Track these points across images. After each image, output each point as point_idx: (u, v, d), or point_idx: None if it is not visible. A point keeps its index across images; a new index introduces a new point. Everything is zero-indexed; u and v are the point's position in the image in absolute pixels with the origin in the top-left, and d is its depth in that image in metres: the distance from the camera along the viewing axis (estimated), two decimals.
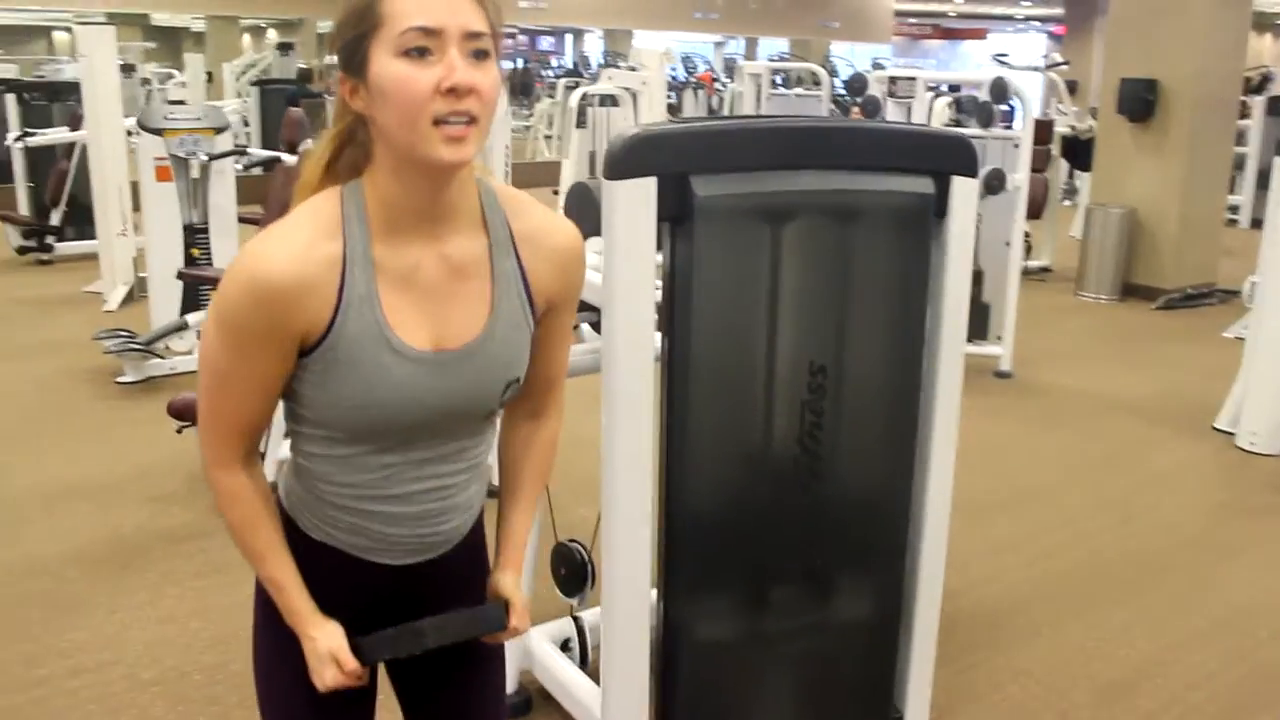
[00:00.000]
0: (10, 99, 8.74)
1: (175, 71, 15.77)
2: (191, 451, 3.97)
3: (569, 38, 26.53)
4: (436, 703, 1.51)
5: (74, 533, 3.63)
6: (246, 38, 21.71)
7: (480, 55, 1.15)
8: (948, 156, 2.07)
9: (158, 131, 5.65)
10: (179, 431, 3.81)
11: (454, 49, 1.13)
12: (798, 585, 2.19)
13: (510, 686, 2.66)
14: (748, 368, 2.04)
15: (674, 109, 14.39)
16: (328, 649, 1.28)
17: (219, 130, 5.80)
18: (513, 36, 18.62)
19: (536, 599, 2.31)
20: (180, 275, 5.36)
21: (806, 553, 2.16)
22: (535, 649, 2.71)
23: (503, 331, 1.27)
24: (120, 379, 5.31)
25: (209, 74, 15.70)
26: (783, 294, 2.01)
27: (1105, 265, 7.86)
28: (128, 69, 14.07)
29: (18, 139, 8.57)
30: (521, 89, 17.24)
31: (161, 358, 5.33)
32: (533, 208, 1.33)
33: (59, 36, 22.80)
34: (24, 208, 8.66)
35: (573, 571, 2.70)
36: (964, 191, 2.08)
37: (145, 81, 14.95)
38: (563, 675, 2.62)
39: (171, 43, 21.59)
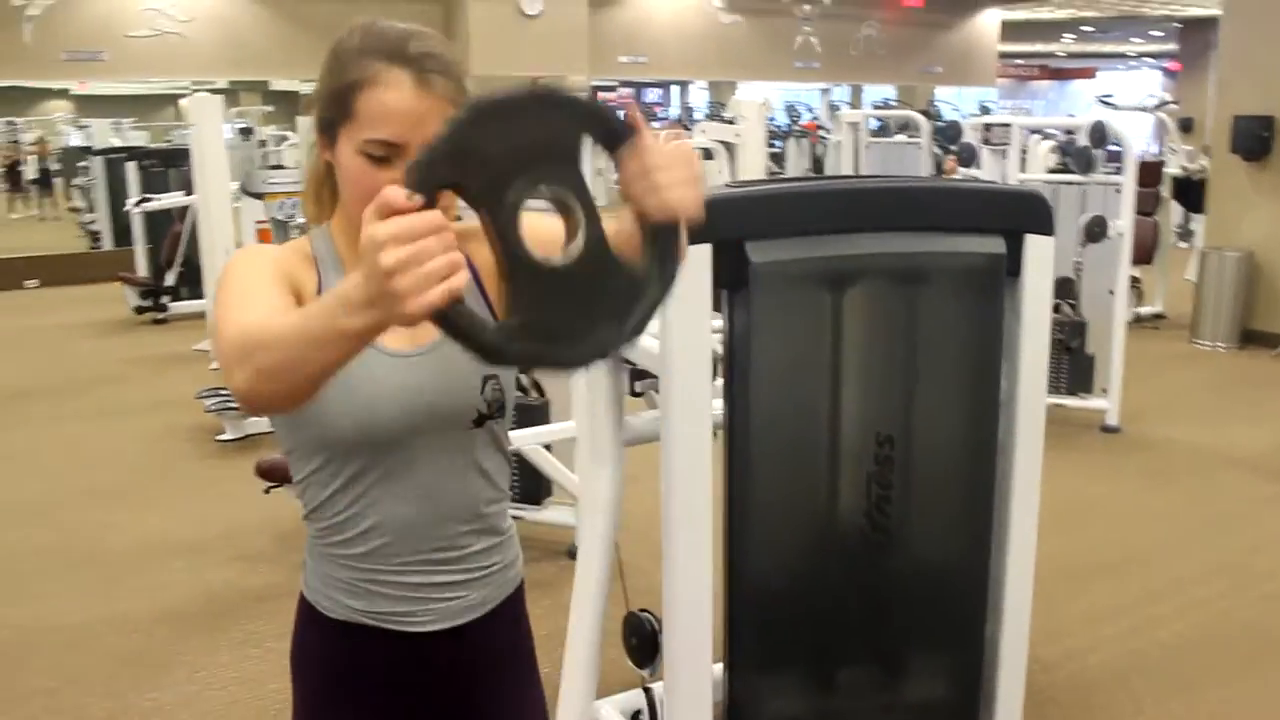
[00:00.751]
0: (131, 166, 9.14)
1: (290, 133, 16.35)
2: (280, 511, 4.04)
3: (675, 89, 26.79)
4: None
5: (166, 590, 3.70)
6: None
7: None
8: (1019, 214, 1.99)
9: (259, 195, 5.83)
10: (266, 492, 3.87)
11: None
12: (868, 664, 2.09)
13: None
14: (810, 438, 1.97)
15: (777, 159, 14.36)
16: (366, 238, 0.93)
17: None
18: (612, 89, 18.85)
19: (607, 666, 2.25)
20: None
21: (876, 630, 2.06)
22: None
23: None
24: (220, 437, 5.45)
25: None
26: (846, 362, 1.94)
27: (1222, 311, 7.54)
28: (246, 132, 14.70)
29: (137, 204, 8.97)
30: None
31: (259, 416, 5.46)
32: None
33: (184, 104, 23.85)
34: (143, 269, 9.03)
35: (643, 641, 2.63)
36: (1039, 250, 1.99)
37: (262, 143, 15.50)
38: None
39: (290, 106, 22.40)
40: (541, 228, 1.32)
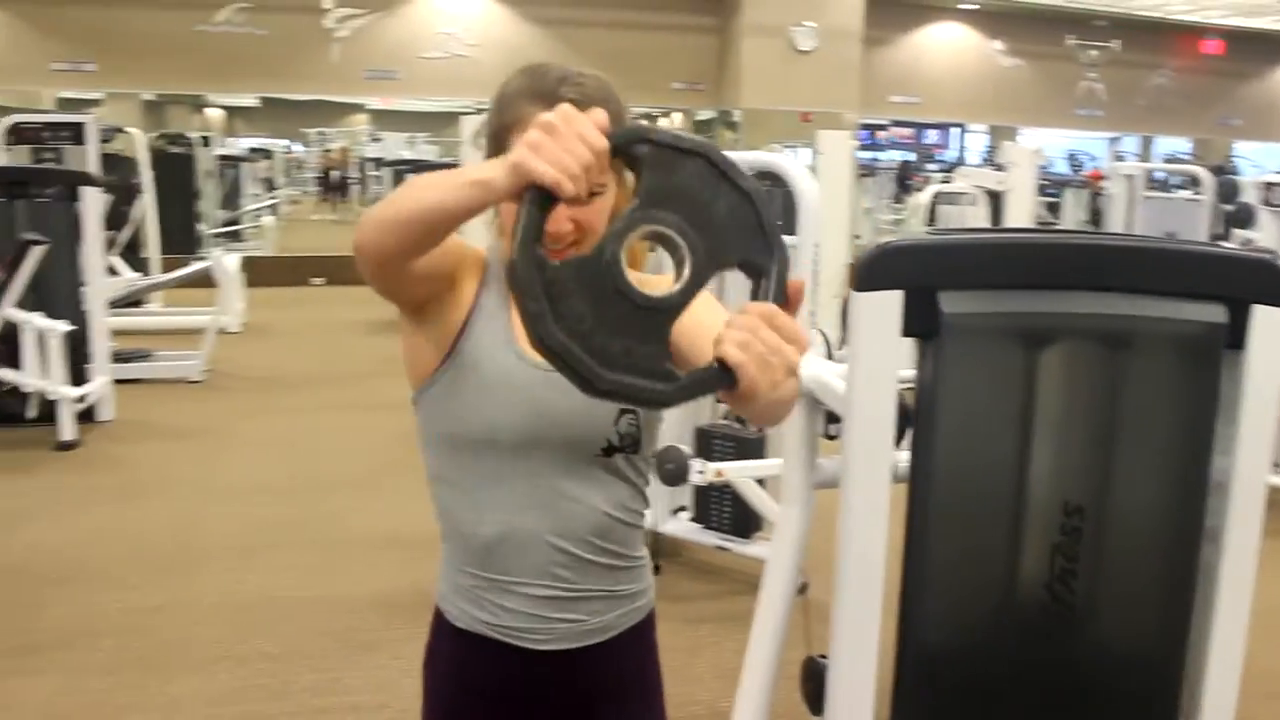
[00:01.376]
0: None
1: None
2: None
3: (955, 132, 26.11)
4: None
5: (381, 578, 3.94)
6: None
7: (589, 195, 1.20)
8: (1247, 281, 1.83)
9: None
10: None
11: None
12: None
13: None
14: (995, 500, 1.88)
15: (1054, 208, 13.76)
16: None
17: None
18: (883, 129, 18.59)
19: (784, 714, 2.23)
20: None
21: (1051, 713, 1.94)
22: None
23: None
24: None
25: None
26: (1039, 424, 1.83)
27: None
28: None
29: None
30: (900, 182, 17.17)
31: None
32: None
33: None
34: None
35: (817, 687, 2.58)
36: (1269, 321, 1.83)
37: None
38: None
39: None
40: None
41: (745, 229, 0.99)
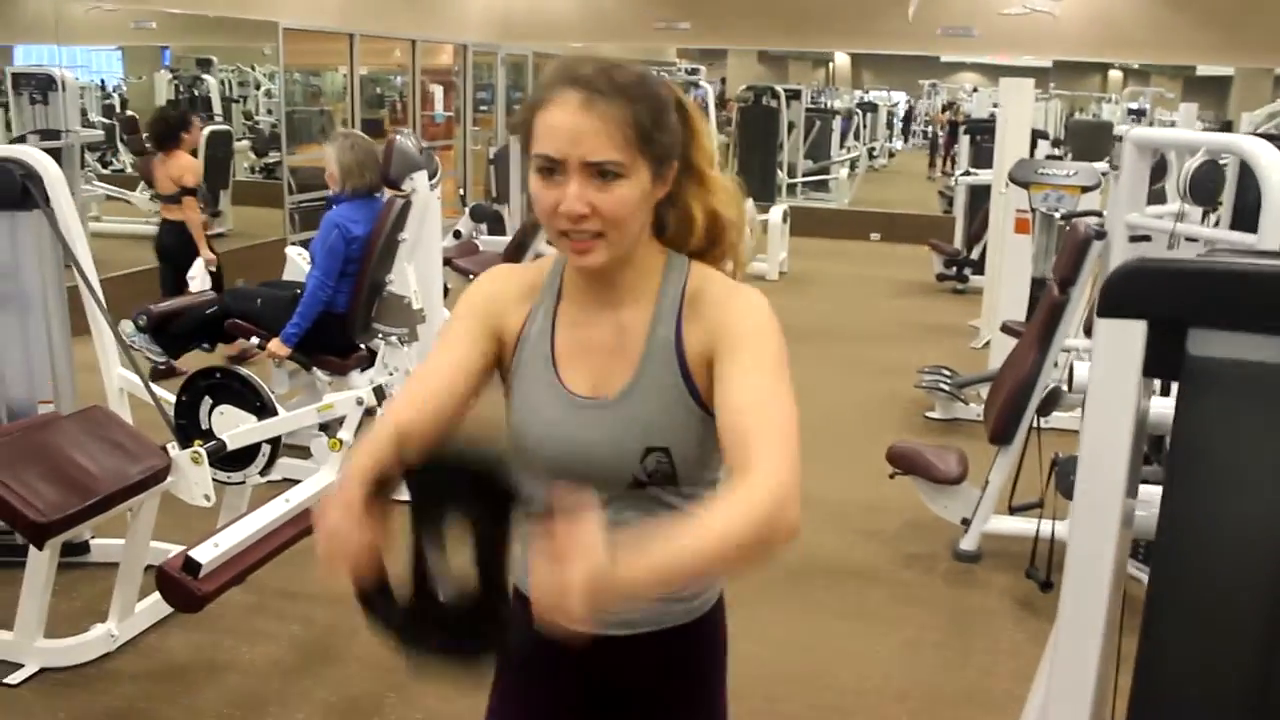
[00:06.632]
0: (965, 140, 9.52)
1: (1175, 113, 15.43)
2: (906, 499, 4.08)
3: None
4: None
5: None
6: None
7: (607, 176, 1.23)
8: None
9: (1025, 185, 5.74)
10: (891, 476, 3.94)
11: (574, 176, 1.23)
12: None
13: None
14: (1245, 582, 1.52)
15: None
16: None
17: (1087, 189, 5.68)
18: None
19: None
20: (1004, 328, 5.43)
21: None
22: None
23: (644, 393, 1.31)
24: (929, 414, 5.59)
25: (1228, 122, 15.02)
26: None
27: None
28: (1139, 114, 14.28)
29: (964, 174, 9.35)
30: None
31: (965, 403, 5.46)
32: (719, 280, 1.35)
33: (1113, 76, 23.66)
34: (958, 239, 9.40)
35: None
36: None
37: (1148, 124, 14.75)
38: None
39: (1206, 91, 20.91)
40: (706, 291, 1.34)
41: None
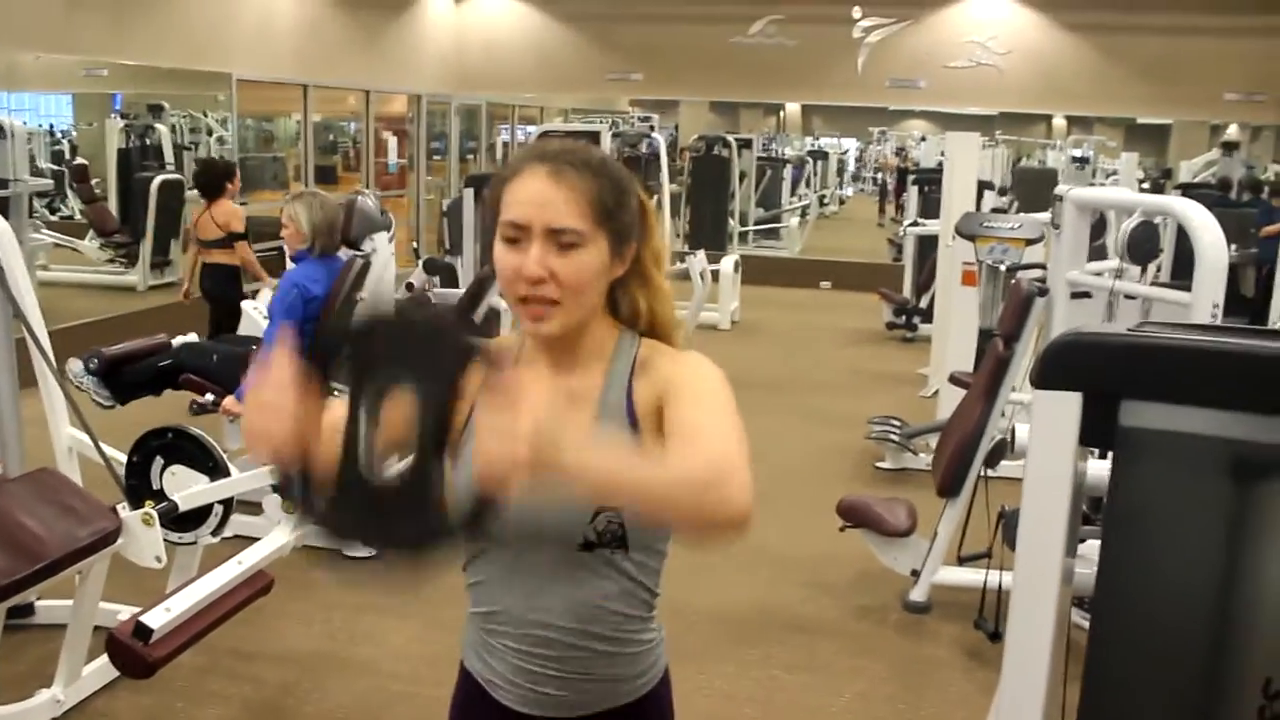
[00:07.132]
0: (914, 190, 9.72)
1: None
2: (857, 551, 4.12)
3: None
4: None
5: (725, 595, 4.00)
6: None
7: (567, 246, 1.27)
8: None
9: (971, 237, 5.86)
10: (841, 529, 3.99)
11: (536, 242, 1.28)
12: None
13: None
14: (1177, 665, 1.57)
15: None
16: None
17: (1031, 242, 5.82)
18: None
19: None
20: (952, 379, 5.52)
21: None
22: None
23: None
24: (879, 464, 5.65)
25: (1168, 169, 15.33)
26: (1241, 581, 1.50)
27: None
28: (1081, 161, 14.57)
29: (912, 224, 9.53)
30: None
31: (914, 453, 5.53)
32: (668, 349, 1.39)
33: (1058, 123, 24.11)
34: (907, 288, 9.54)
35: None
36: None
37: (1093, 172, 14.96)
38: None
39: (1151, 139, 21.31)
40: (654, 358, 1.32)
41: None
